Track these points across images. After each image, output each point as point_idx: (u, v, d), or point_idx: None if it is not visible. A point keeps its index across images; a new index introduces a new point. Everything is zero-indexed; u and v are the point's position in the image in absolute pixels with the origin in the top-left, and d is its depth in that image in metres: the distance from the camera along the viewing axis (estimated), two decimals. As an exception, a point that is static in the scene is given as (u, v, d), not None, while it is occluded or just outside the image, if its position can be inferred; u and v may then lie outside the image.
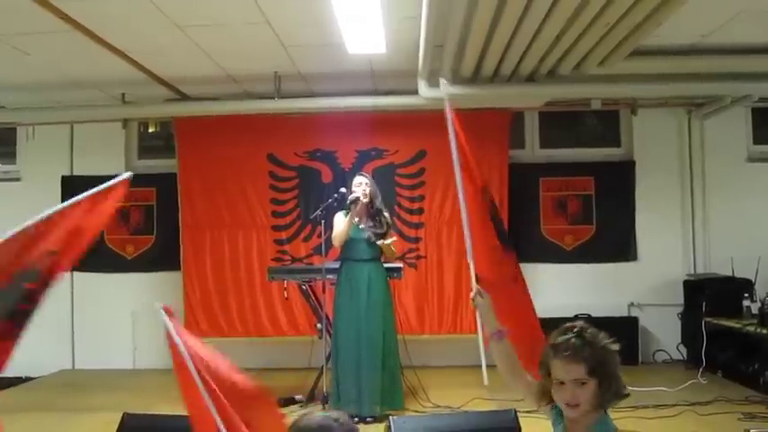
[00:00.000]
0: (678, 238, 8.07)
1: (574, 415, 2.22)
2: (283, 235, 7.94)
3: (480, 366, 3.04)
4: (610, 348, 2.22)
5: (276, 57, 6.39)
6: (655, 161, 8.05)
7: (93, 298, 8.18)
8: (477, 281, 2.87)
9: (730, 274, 7.33)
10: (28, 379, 7.70)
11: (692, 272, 7.93)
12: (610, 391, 2.20)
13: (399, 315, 6.55)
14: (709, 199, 8.06)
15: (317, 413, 2.11)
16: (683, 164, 8.09)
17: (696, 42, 6.03)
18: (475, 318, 2.93)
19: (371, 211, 5.86)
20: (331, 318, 6.00)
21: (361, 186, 5.84)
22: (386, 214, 5.96)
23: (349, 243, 5.80)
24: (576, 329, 2.24)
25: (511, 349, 2.59)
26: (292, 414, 3.31)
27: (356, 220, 5.79)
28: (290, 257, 7.87)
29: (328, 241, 6.02)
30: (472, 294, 2.81)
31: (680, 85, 6.74)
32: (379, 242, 5.79)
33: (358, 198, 5.77)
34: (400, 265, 6.48)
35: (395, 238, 6.00)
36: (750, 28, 5.68)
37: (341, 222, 5.82)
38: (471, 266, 2.94)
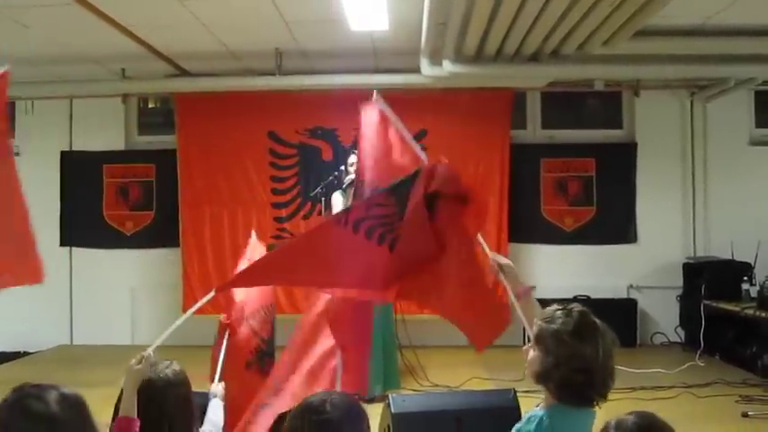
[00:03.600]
0: (678, 221, 8.06)
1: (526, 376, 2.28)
2: (283, 212, 7.92)
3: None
4: (561, 332, 2.16)
5: (277, 32, 6.34)
6: (656, 143, 8.02)
7: (91, 274, 8.17)
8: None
9: (730, 257, 7.32)
10: (26, 354, 7.72)
11: (692, 255, 7.93)
12: (551, 374, 2.15)
13: (398, 294, 6.54)
14: (710, 182, 8.04)
15: (319, 392, 2.11)
16: (685, 146, 8.06)
17: (701, 23, 5.98)
18: None
19: None
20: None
21: (354, 166, 5.82)
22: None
23: (346, 222, 5.77)
24: (567, 307, 2.25)
25: (537, 307, 2.57)
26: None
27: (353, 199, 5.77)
28: (289, 235, 7.85)
29: (328, 219, 6.00)
30: (492, 259, 2.83)
31: (683, 67, 6.71)
32: None
33: (353, 179, 5.75)
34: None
35: None
36: (755, 10, 5.63)
37: (339, 204, 5.81)
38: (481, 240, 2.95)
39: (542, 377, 2.19)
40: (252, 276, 2.96)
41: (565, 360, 2.13)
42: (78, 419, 1.83)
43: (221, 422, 3.06)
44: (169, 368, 2.61)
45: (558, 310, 2.24)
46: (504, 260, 2.81)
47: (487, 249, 2.89)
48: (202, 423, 2.91)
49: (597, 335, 2.18)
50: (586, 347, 2.14)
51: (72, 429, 1.80)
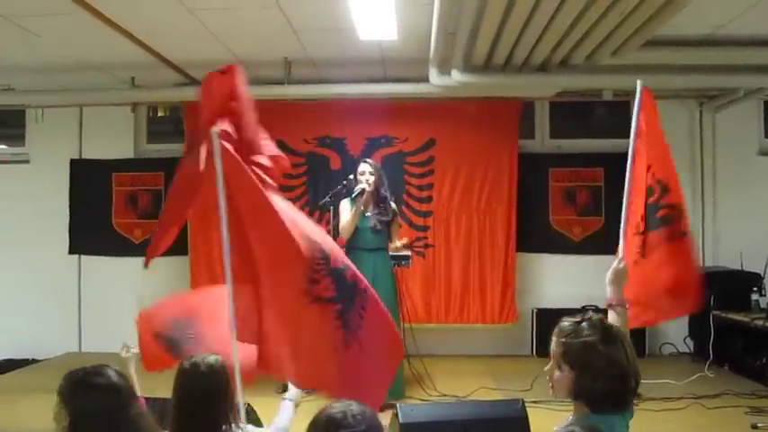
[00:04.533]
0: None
1: (553, 394, 2.24)
2: (291, 221, 7.91)
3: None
4: (591, 344, 2.14)
5: (286, 42, 6.36)
6: (666, 153, 7.99)
7: (100, 281, 8.19)
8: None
9: (739, 267, 7.28)
10: (34, 361, 7.74)
11: (701, 265, 7.88)
12: (590, 388, 2.12)
13: (406, 303, 6.55)
14: (719, 192, 8.00)
15: (335, 404, 2.08)
16: (694, 156, 8.04)
17: (710, 33, 5.97)
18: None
19: (377, 198, 5.86)
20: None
21: (364, 175, 5.83)
22: (391, 202, 5.95)
23: (355, 231, 5.79)
24: (583, 318, 2.22)
25: (626, 323, 2.65)
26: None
27: (362, 209, 5.78)
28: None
29: (336, 228, 6.01)
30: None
31: (692, 77, 6.69)
32: (391, 247, 5.83)
33: (363, 189, 5.75)
34: (408, 253, 6.47)
35: (405, 240, 6.01)
36: (765, 20, 5.61)
37: (347, 212, 5.81)
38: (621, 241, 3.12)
39: (579, 394, 2.14)
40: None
41: (602, 370, 2.10)
42: (129, 388, 2.25)
43: (287, 424, 3.15)
44: (210, 357, 2.77)
45: (576, 322, 2.21)
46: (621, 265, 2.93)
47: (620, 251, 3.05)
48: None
49: (621, 337, 2.19)
50: (618, 352, 2.13)
51: (128, 396, 2.20)
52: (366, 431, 1.95)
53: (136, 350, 3.32)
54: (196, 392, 2.64)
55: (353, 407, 2.00)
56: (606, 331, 2.17)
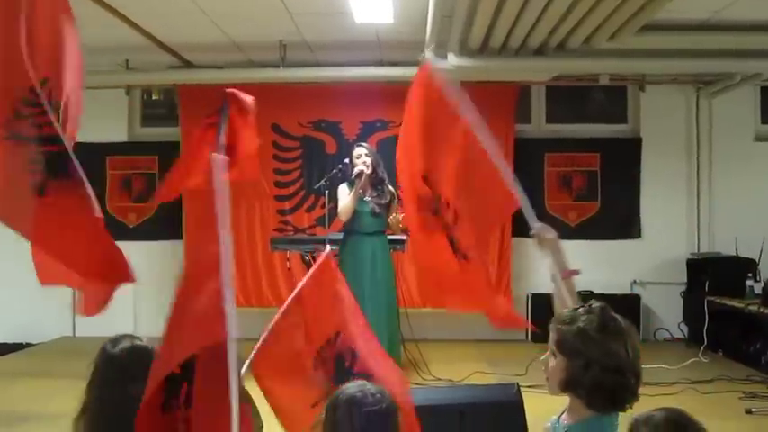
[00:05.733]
0: (683, 217, 8.03)
1: (549, 389, 2.13)
2: (286, 205, 7.90)
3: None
4: (586, 330, 2.03)
5: (282, 24, 6.32)
6: (661, 139, 7.99)
7: (94, 265, 8.16)
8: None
9: (734, 253, 7.30)
10: (29, 345, 7.73)
11: (696, 251, 7.90)
12: (581, 378, 2.01)
13: (401, 288, 6.54)
14: (715, 178, 8.01)
15: (350, 384, 2.06)
16: (690, 142, 8.03)
17: (708, 18, 5.95)
18: None
19: (374, 181, 5.84)
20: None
21: (360, 158, 5.81)
22: (389, 186, 5.93)
23: (353, 215, 5.78)
24: (584, 305, 2.13)
25: (575, 295, 2.39)
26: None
27: (360, 192, 5.76)
28: (292, 228, 7.83)
29: (332, 212, 5.99)
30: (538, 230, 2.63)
31: (690, 62, 6.69)
32: (389, 219, 5.79)
33: (362, 172, 5.74)
34: (404, 237, 6.44)
35: (403, 214, 5.97)
36: (762, 4, 5.59)
37: (346, 196, 5.80)
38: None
39: (570, 384, 2.03)
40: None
41: (595, 359, 1.98)
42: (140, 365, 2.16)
43: None
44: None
45: (574, 309, 2.11)
46: (550, 234, 2.58)
47: (533, 221, 2.67)
48: None
49: (623, 331, 2.06)
50: (615, 344, 2.01)
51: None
52: (387, 408, 1.94)
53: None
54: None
55: (368, 386, 1.99)
56: (605, 320, 2.05)
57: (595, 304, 2.10)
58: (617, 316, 2.09)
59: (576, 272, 2.46)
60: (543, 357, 2.14)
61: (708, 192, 8.02)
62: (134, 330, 8.37)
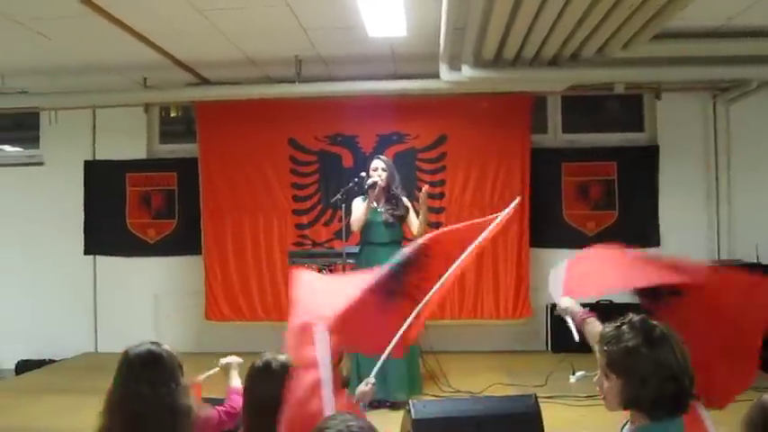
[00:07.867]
0: (702, 225, 7.97)
1: (607, 407, 2.16)
2: (304, 219, 7.94)
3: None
4: (634, 348, 2.06)
5: (296, 40, 6.37)
6: (679, 146, 7.94)
7: (115, 281, 8.24)
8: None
9: (755, 260, 7.23)
10: (51, 361, 7.80)
11: (716, 258, 7.83)
12: (640, 395, 2.05)
13: (420, 300, 6.53)
14: (733, 184, 7.93)
15: (338, 416, 2.08)
16: (708, 149, 7.97)
17: (722, 25, 5.93)
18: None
19: (388, 195, 5.86)
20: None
21: (377, 171, 5.83)
22: (404, 199, 5.95)
23: (367, 226, 5.80)
24: (623, 321, 2.15)
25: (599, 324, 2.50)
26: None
27: (374, 204, 5.79)
28: (310, 242, 7.87)
29: (349, 226, 6.01)
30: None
31: (705, 69, 6.64)
32: (414, 220, 5.86)
33: (375, 182, 5.76)
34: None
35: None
36: (777, 10, 5.57)
37: (359, 207, 5.82)
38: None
39: (632, 402, 2.08)
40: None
41: (650, 374, 2.02)
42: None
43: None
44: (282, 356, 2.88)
45: (616, 327, 2.13)
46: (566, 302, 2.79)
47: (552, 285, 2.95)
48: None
49: (667, 337, 2.08)
50: (664, 352, 2.04)
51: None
52: None
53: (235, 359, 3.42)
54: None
55: (352, 421, 1.99)
56: (649, 332, 2.07)
57: (635, 318, 2.13)
58: (656, 323, 2.12)
59: (591, 314, 2.65)
60: (595, 379, 2.17)
61: (727, 198, 7.95)
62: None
